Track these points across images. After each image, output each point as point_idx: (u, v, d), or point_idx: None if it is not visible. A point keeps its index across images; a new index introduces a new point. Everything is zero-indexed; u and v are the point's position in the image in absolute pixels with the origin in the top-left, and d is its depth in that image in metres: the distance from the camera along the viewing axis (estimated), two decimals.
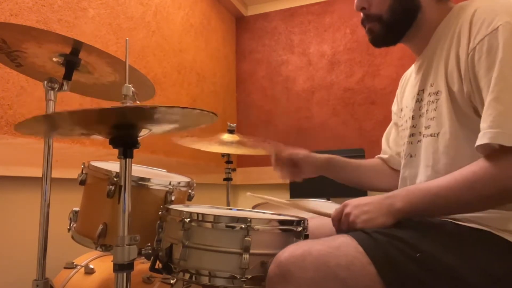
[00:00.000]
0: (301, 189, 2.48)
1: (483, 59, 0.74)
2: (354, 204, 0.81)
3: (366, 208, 0.79)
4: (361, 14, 0.96)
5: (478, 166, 0.72)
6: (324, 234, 0.81)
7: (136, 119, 0.79)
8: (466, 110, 0.79)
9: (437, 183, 0.77)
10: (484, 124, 0.72)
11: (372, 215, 0.78)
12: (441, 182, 0.76)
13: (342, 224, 0.82)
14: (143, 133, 0.82)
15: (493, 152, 0.71)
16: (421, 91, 0.93)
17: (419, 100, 0.93)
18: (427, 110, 0.89)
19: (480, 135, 0.73)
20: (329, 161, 1.14)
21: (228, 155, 1.75)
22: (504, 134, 0.69)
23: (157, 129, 0.86)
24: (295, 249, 0.73)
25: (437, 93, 0.86)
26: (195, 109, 0.71)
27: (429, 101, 0.88)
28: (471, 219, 0.77)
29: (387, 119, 1.21)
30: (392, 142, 1.17)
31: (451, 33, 0.84)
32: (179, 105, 0.69)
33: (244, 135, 1.69)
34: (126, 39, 0.85)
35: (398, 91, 1.14)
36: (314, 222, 0.96)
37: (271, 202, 1.03)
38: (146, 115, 0.75)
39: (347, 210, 0.81)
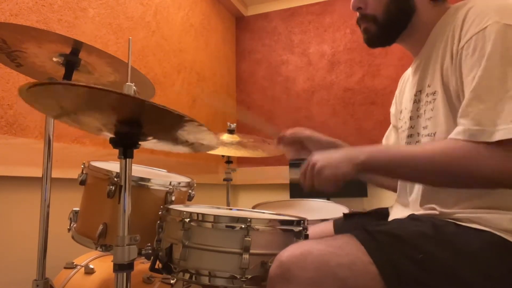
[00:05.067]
0: (301, 189, 2.48)
1: (469, 57, 0.76)
2: (321, 154, 0.83)
3: (331, 157, 0.82)
4: (357, 13, 0.96)
5: (458, 144, 0.73)
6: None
7: (143, 117, 0.77)
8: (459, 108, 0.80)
9: (408, 148, 0.79)
10: (464, 120, 0.73)
11: (336, 164, 0.80)
12: (414, 148, 0.78)
13: (307, 173, 0.83)
14: (147, 139, 0.81)
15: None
16: (418, 92, 0.93)
17: (416, 101, 0.93)
18: (424, 110, 0.89)
19: (460, 129, 0.73)
20: (334, 143, 1.12)
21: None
22: (485, 132, 0.70)
23: (161, 144, 0.86)
24: (296, 249, 0.74)
25: (434, 93, 0.86)
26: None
27: (427, 101, 0.89)
28: (473, 220, 0.77)
29: (387, 119, 1.21)
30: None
31: (446, 34, 0.85)
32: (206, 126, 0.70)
33: (244, 135, 1.69)
34: (129, 38, 0.85)
35: (397, 92, 1.13)
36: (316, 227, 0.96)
37: None
38: (155, 116, 0.74)
39: (314, 158, 0.83)
